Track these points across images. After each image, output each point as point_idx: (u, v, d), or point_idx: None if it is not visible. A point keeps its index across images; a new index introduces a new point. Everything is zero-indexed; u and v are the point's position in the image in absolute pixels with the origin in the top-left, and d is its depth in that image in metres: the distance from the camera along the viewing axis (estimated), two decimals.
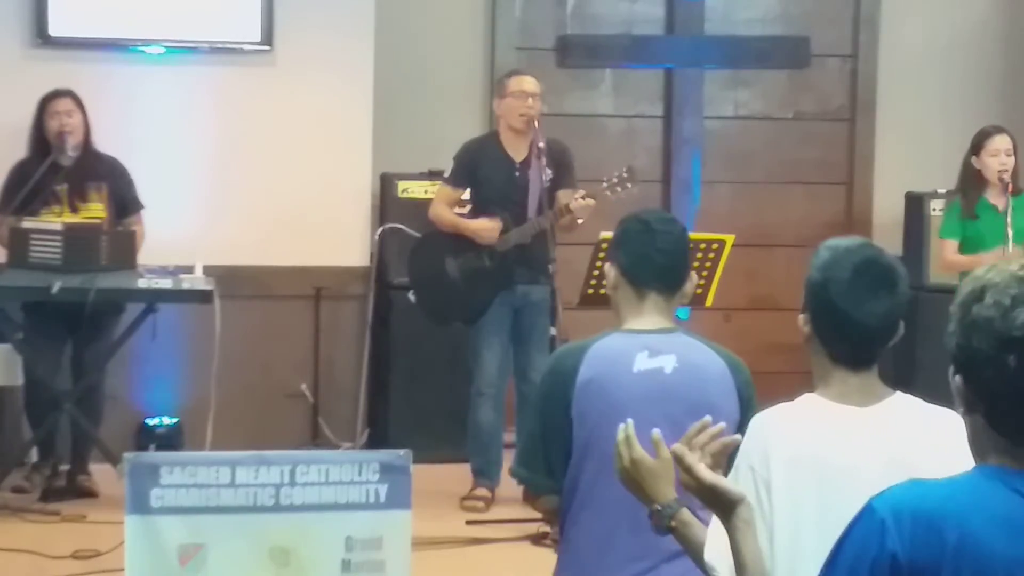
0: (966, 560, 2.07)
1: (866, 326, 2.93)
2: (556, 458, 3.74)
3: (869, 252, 2.98)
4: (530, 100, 7.01)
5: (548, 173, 6.98)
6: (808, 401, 3.00)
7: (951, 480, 2.17)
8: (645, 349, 3.71)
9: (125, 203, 7.23)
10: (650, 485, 2.82)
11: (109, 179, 7.18)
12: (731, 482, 2.69)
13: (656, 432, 2.87)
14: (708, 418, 2.77)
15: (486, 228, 7.01)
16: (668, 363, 3.70)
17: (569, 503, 3.75)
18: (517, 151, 7.07)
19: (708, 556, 2.79)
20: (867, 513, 2.14)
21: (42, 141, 7.16)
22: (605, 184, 6.92)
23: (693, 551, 2.82)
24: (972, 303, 2.15)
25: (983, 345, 2.13)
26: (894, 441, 2.90)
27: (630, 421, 2.89)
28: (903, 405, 2.97)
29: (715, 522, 2.76)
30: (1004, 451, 2.14)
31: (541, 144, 6.95)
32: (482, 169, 7.09)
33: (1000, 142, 7.39)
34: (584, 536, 3.73)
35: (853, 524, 2.15)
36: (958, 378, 2.18)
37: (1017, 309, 2.11)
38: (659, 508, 2.82)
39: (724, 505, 2.62)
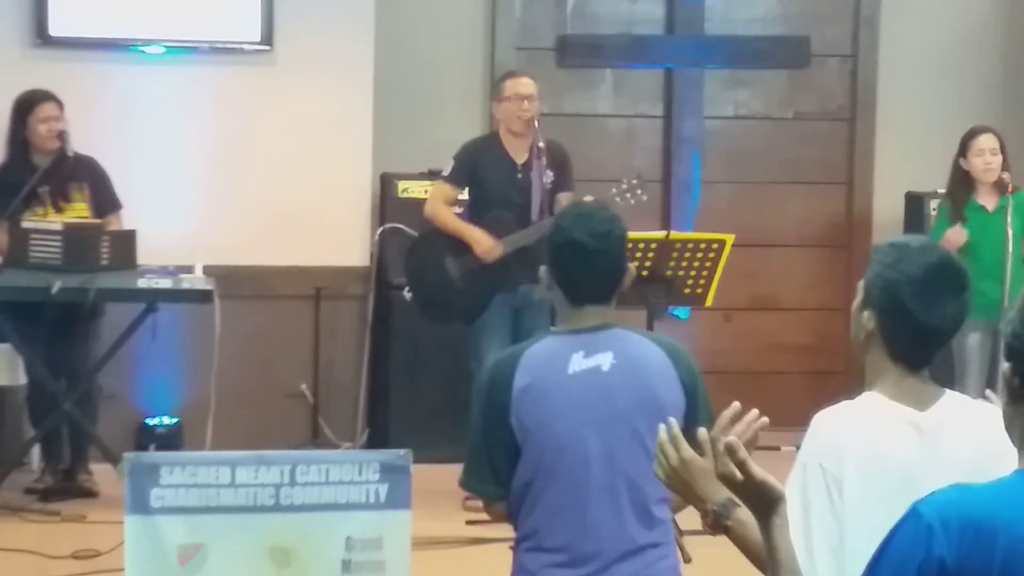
0: (1016, 565, 2.05)
1: (935, 328, 2.93)
2: (501, 466, 3.73)
3: (940, 253, 2.97)
4: (526, 103, 6.99)
5: (549, 175, 6.96)
6: (871, 400, 2.97)
7: (996, 484, 2.14)
8: (580, 349, 3.69)
9: (104, 203, 7.19)
10: (700, 485, 2.70)
11: (89, 179, 7.17)
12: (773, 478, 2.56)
13: (703, 431, 2.75)
14: (737, 404, 2.66)
15: (486, 247, 6.97)
16: (605, 360, 3.68)
17: (518, 508, 3.75)
18: (518, 153, 7.05)
19: (803, 561, 2.69)
20: (912, 517, 2.11)
21: (22, 143, 7.13)
22: (615, 191, 6.90)
23: (750, 551, 2.74)
24: None
25: None
26: (957, 444, 2.90)
27: (672, 420, 2.80)
28: (958, 405, 2.96)
29: (796, 525, 2.69)
30: None
31: (541, 144, 6.93)
32: (483, 170, 7.06)
33: (984, 141, 7.34)
34: (535, 540, 3.73)
35: (897, 528, 2.13)
36: (1008, 365, 2.15)
37: None
38: (715, 508, 2.71)
39: (767, 503, 2.50)
